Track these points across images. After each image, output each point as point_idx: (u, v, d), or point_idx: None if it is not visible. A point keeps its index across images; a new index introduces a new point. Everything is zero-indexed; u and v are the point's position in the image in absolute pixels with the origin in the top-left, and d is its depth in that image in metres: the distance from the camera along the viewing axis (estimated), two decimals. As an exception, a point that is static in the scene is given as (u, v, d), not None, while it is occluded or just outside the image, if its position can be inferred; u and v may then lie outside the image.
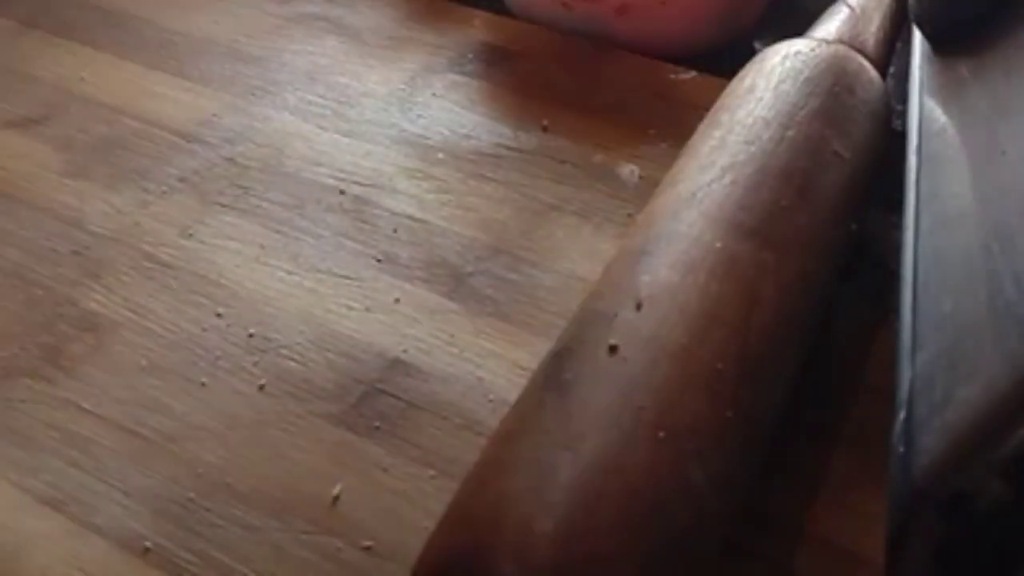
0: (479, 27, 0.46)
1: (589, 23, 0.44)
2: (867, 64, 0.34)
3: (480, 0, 0.47)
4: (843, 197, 0.31)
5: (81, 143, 0.40)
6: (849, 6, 0.37)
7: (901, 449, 0.22)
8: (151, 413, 0.31)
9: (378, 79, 0.43)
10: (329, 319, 0.33)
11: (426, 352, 0.32)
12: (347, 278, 0.34)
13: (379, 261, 0.35)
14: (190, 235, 0.36)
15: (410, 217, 0.37)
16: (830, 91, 0.32)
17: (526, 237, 0.36)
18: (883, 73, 0.35)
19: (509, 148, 0.39)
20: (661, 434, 0.23)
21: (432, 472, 0.29)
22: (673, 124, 0.40)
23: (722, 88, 0.34)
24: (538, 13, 0.45)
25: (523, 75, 0.43)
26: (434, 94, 0.42)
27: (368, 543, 0.27)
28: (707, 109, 0.33)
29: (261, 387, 0.31)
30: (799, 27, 0.38)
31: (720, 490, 0.23)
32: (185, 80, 0.43)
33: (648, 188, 0.37)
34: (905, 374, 0.24)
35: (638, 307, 0.25)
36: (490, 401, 0.31)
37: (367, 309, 0.33)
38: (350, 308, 0.33)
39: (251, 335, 0.33)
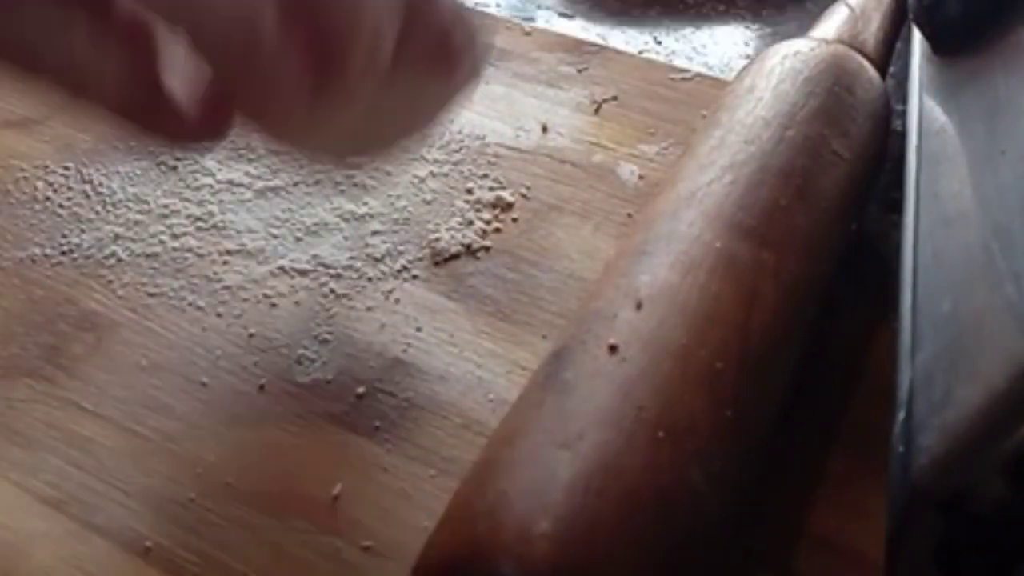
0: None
1: None
2: (867, 64, 0.34)
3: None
4: (842, 197, 0.31)
5: (81, 143, 0.40)
6: (849, 6, 0.37)
7: (901, 449, 0.22)
8: (151, 413, 0.31)
9: (378, 79, 0.43)
10: (329, 319, 0.33)
11: (426, 352, 0.32)
12: (347, 277, 0.34)
13: (379, 260, 0.35)
14: (190, 234, 0.36)
15: (410, 216, 0.37)
16: (830, 91, 0.32)
17: (526, 237, 0.36)
18: (883, 73, 0.36)
19: (509, 148, 0.39)
20: (661, 434, 0.23)
21: (432, 472, 0.29)
22: (673, 124, 0.40)
23: (722, 88, 0.34)
24: None
25: (523, 75, 0.43)
26: (434, 94, 0.42)
27: (368, 543, 0.27)
28: (707, 109, 0.33)
29: (261, 387, 0.31)
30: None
31: (719, 489, 0.23)
32: (185, 80, 0.43)
33: (648, 188, 0.37)
34: (905, 374, 0.24)
35: (638, 307, 0.25)
36: (490, 401, 0.31)
37: (367, 309, 0.33)
38: (350, 308, 0.33)
39: (251, 335, 0.33)
